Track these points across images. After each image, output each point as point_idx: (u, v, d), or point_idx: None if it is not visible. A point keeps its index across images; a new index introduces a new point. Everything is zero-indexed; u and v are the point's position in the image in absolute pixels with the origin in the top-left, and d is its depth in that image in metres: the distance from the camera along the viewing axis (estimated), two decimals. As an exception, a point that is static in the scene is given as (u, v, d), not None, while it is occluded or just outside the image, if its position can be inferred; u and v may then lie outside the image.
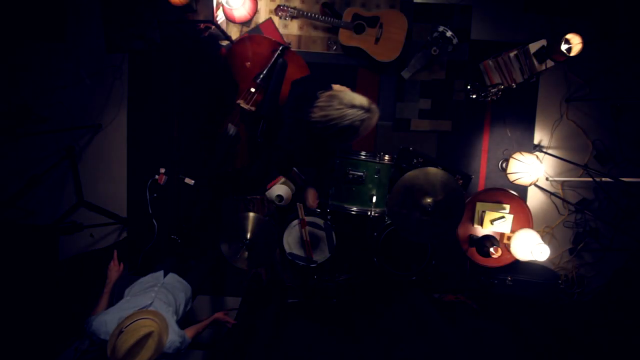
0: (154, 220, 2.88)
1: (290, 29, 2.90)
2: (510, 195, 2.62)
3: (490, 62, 2.68)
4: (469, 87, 2.79)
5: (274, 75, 2.43)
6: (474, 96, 2.76)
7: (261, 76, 2.42)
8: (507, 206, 2.58)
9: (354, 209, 2.39)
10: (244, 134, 2.60)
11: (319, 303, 2.68)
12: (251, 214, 2.28)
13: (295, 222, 2.40)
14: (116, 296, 1.98)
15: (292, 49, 2.65)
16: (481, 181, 2.98)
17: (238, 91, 2.51)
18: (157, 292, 1.94)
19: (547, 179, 2.94)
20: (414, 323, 2.22)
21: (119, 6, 2.37)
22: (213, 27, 2.68)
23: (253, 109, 2.45)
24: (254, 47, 2.49)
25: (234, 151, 2.64)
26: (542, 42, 2.55)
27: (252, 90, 2.45)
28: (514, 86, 2.67)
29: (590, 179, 2.75)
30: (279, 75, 2.45)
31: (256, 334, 2.20)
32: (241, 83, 2.51)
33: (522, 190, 2.93)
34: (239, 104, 2.43)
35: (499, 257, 2.45)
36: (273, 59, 2.43)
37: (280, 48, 2.44)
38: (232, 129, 2.54)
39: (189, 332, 1.95)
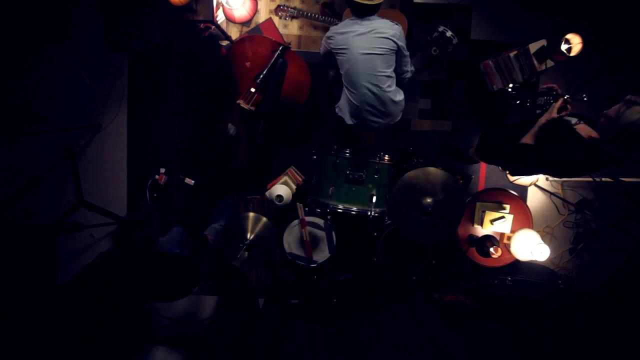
0: (154, 220, 2.88)
1: (290, 29, 2.90)
2: (510, 195, 2.62)
3: (490, 62, 2.67)
4: (510, 89, 2.25)
5: (274, 75, 2.43)
6: (518, 102, 2.23)
7: (261, 76, 2.42)
8: (507, 206, 2.58)
9: (354, 209, 2.38)
10: (244, 133, 2.60)
11: (319, 303, 2.68)
12: (251, 214, 2.28)
13: (295, 222, 2.40)
14: None
15: (292, 49, 2.64)
16: (481, 181, 2.97)
17: (238, 91, 2.51)
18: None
19: (547, 179, 2.94)
20: (414, 323, 2.22)
21: (119, 6, 2.36)
22: (213, 27, 2.68)
23: (253, 108, 2.45)
24: (254, 47, 2.49)
25: (235, 151, 2.64)
26: (542, 42, 2.55)
27: (252, 90, 2.45)
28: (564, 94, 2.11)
29: (590, 179, 2.75)
30: (279, 75, 2.45)
31: (257, 335, 2.20)
32: (241, 83, 2.51)
33: (522, 190, 2.93)
34: (239, 104, 2.43)
35: (499, 257, 2.45)
36: (273, 59, 2.43)
37: (280, 48, 2.44)
38: (232, 129, 2.54)
39: None
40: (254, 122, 2.54)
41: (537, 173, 2.05)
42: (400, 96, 2.28)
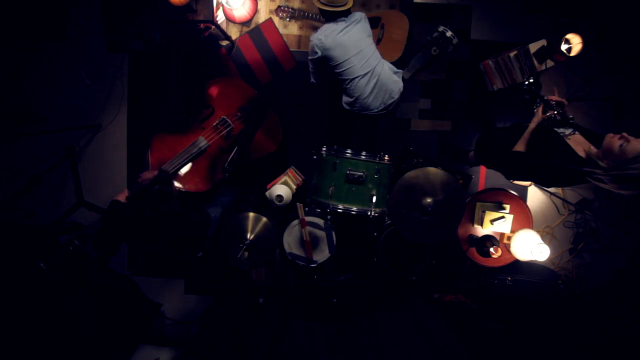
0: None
1: (290, 29, 2.90)
2: (510, 195, 2.62)
3: (490, 62, 2.68)
4: (527, 83, 2.17)
5: (254, 114, 2.55)
6: (528, 97, 2.18)
7: (244, 110, 2.55)
8: (507, 206, 2.58)
9: (354, 209, 2.39)
10: (213, 151, 2.50)
11: (319, 303, 2.68)
12: (251, 214, 2.28)
13: (295, 222, 2.40)
14: None
15: (292, 49, 2.60)
16: (481, 181, 2.98)
17: (212, 116, 2.52)
18: None
19: (547, 179, 2.94)
20: (414, 323, 2.23)
21: (119, 6, 2.37)
22: (213, 27, 2.68)
23: (235, 129, 2.49)
24: (234, 89, 2.60)
25: (193, 166, 2.47)
26: (542, 42, 2.55)
27: (239, 114, 2.54)
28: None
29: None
30: (258, 116, 2.57)
31: (257, 335, 2.20)
32: (219, 110, 2.54)
33: (522, 190, 2.93)
34: (224, 118, 2.46)
35: (499, 257, 2.45)
36: (256, 101, 2.58)
37: (260, 97, 2.59)
38: (202, 142, 2.45)
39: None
40: (228, 147, 2.51)
41: (531, 180, 2.06)
42: (391, 68, 2.45)
